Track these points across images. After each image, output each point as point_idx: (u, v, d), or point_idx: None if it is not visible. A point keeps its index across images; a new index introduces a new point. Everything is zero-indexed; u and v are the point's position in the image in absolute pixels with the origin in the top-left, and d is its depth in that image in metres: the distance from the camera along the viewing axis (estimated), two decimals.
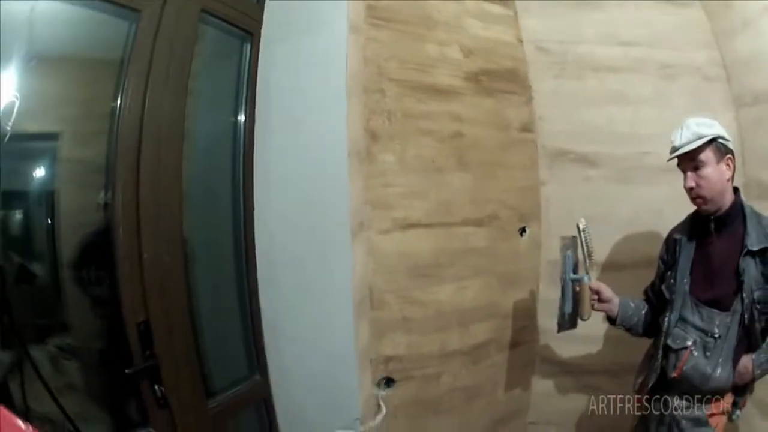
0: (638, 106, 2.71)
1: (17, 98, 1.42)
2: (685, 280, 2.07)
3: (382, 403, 2.32)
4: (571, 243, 2.24)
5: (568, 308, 2.24)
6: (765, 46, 2.40)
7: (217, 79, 2.18)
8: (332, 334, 2.09)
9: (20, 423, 0.96)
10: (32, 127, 1.51)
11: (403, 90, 2.39)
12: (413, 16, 2.48)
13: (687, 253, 2.09)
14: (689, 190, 2.00)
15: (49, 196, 1.57)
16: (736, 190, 2.04)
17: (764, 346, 1.96)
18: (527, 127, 2.77)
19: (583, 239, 2.17)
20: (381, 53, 2.35)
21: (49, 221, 1.55)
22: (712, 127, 1.98)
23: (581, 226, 2.17)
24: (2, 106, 1.38)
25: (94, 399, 1.68)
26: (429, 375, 2.48)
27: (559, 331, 2.29)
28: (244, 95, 2.15)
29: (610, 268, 2.67)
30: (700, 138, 1.95)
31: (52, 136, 1.58)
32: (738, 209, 2.02)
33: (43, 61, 1.53)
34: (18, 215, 1.51)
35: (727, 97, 2.65)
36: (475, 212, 2.53)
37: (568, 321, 2.27)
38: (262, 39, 2.19)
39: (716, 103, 2.65)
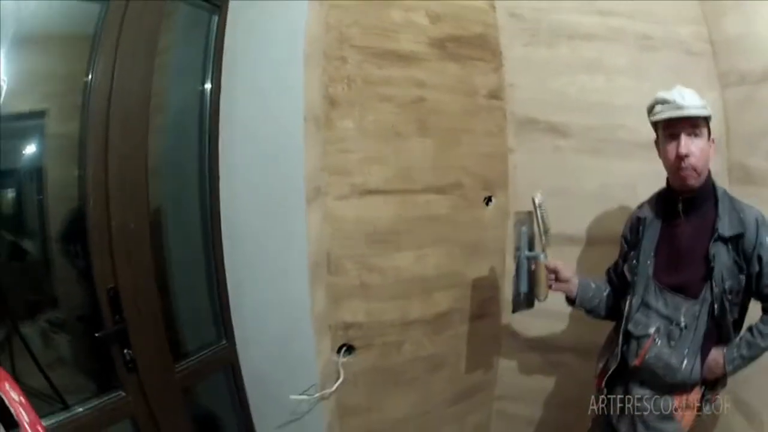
0: (613, 75, 2.63)
1: (4, 82, 1.46)
2: (649, 262, 1.99)
3: (341, 370, 2.32)
4: (526, 218, 2.16)
5: (524, 287, 2.17)
6: (755, 28, 2.29)
7: (186, 52, 2.19)
8: (289, 299, 2.12)
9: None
10: (20, 106, 1.55)
11: (365, 56, 2.35)
12: None
13: (652, 233, 2.02)
14: (682, 158, 1.84)
15: (37, 173, 1.61)
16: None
17: (737, 340, 1.89)
18: (495, 94, 2.70)
19: (539, 214, 2.08)
20: (344, 19, 2.32)
21: (39, 197, 1.60)
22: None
23: (537, 201, 2.08)
24: None
25: (75, 367, 1.76)
26: (390, 343, 2.47)
27: (514, 311, 2.24)
28: (211, 66, 2.17)
29: (578, 242, 2.62)
30: (704, 108, 1.85)
31: (39, 114, 1.62)
32: (709, 191, 1.92)
33: (25, 39, 1.55)
34: (9, 193, 1.56)
35: (712, 75, 2.54)
36: (437, 179, 2.49)
37: (524, 301, 2.21)
38: (230, 8, 2.19)
39: (699, 80, 2.52)
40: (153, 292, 1.81)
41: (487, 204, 2.66)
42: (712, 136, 1.90)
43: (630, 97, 2.53)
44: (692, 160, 1.83)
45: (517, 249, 2.17)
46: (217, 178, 2.12)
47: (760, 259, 1.82)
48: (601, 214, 2.58)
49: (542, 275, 2.09)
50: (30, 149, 1.62)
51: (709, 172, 1.93)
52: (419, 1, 2.50)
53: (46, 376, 1.50)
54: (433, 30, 2.52)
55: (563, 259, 2.22)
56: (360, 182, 2.32)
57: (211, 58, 2.18)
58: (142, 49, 1.76)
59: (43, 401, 1.50)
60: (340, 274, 2.33)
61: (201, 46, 2.20)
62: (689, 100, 1.84)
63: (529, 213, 2.14)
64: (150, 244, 1.81)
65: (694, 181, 1.87)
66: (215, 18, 2.19)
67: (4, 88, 1.46)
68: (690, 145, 1.83)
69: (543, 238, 2.09)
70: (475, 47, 2.66)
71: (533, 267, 2.13)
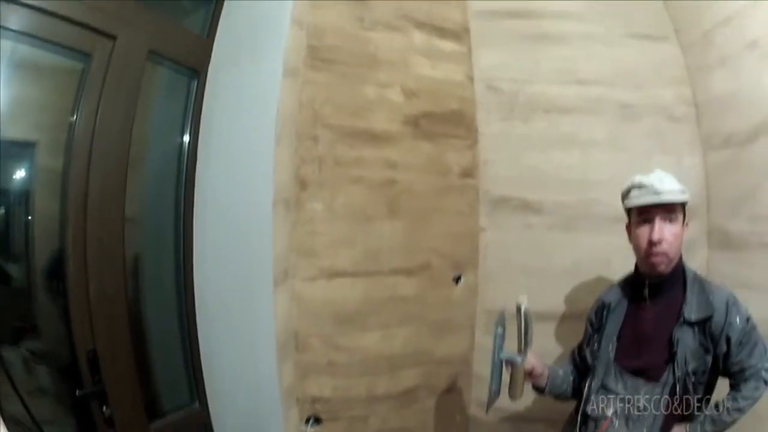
0: (589, 149, 2.59)
1: None
2: (611, 347, 1.94)
3: None
4: (502, 319, 2.07)
5: (497, 388, 2.08)
6: (743, 85, 2.24)
7: (165, 116, 2.20)
8: (258, 371, 2.11)
9: None
10: (12, 132, 1.57)
11: (337, 136, 2.31)
12: (357, 55, 2.40)
13: (616, 318, 1.97)
14: (655, 244, 1.82)
15: (26, 201, 1.67)
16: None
17: (701, 416, 1.83)
18: (469, 173, 2.66)
19: (523, 320, 1.97)
20: (317, 97, 2.28)
21: (26, 224, 1.66)
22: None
23: (522, 307, 1.96)
24: None
25: (60, 403, 1.77)
26: (356, 416, 2.42)
27: (488, 410, 2.13)
28: (189, 131, 2.18)
29: (550, 318, 2.55)
30: (683, 193, 1.84)
31: (30, 144, 1.68)
32: (679, 274, 1.88)
33: (20, 65, 1.61)
34: None
35: (694, 139, 2.53)
36: (405, 261, 2.44)
37: (497, 399, 2.12)
38: (210, 73, 2.20)
39: (680, 146, 2.53)
40: (130, 354, 1.86)
41: (456, 283, 2.62)
42: (686, 221, 1.88)
43: (606, 170, 2.52)
44: (665, 246, 1.81)
45: (494, 350, 2.06)
46: (191, 248, 2.12)
47: (728, 339, 1.77)
48: (574, 289, 2.54)
49: (518, 377, 2.01)
50: (20, 177, 1.64)
51: (680, 255, 1.89)
52: (395, 77, 2.46)
53: (25, 405, 1.54)
54: (408, 107, 2.47)
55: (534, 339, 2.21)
56: (328, 265, 2.28)
57: (190, 123, 2.18)
58: (122, 111, 1.82)
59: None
60: (308, 351, 2.29)
61: (179, 110, 2.19)
62: (668, 185, 1.82)
63: (505, 314, 2.04)
64: (126, 309, 1.86)
65: (664, 267, 1.84)
66: (194, 82, 2.20)
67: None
68: (664, 231, 1.81)
69: (524, 343, 1.99)
70: (451, 124, 2.62)
71: (509, 369, 2.04)
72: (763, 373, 1.79)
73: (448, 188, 2.59)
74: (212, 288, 2.12)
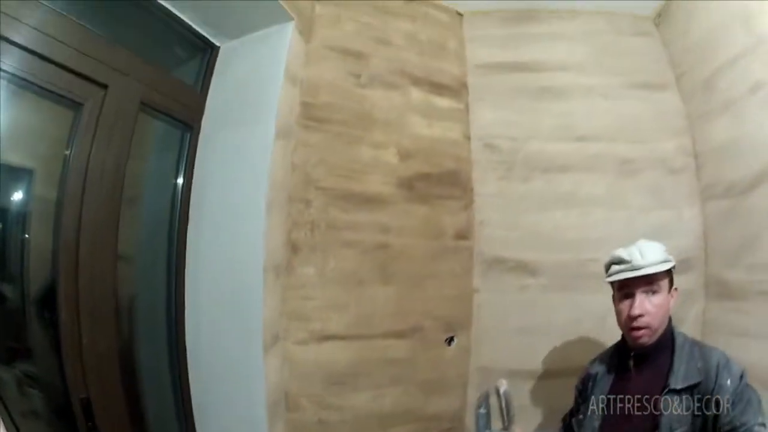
0: (588, 208, 2.56)
1: None
2: (596, 417, 1.90)
3: None
4: (484, 400, 2.06)
5: None
6: (745, 131, 2.20)
7: (158, 165, 2.16)
8: (249, 428, 2.07)
9: None
10: (10, 157, 1.54)
11: (330, 199, 2.28)
12: (352, 114, 2.38)
13: (601, 388, 1.93)
14: (635, 318, 1.79)
15: (22, 227, 1.60)
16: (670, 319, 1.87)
17: None
18: (463, 234, 2.60)
19: (503, 403, 1.97)
20: (310, 159, 2.26)
21: (21, 251, 1.59)
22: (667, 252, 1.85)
23: (501, 390, 1.97)
24: None
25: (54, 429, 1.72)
26: None
27: None
28: (182, 186, 2.15)
29: (544, 377, 2.51)
30: (665, 262, 1.80)
31: (28, 171, 1.63)
32: (666, 342, 1.82)
33: (20, 90, 1.55)
34: None
35: (693, 190, 2.50)
36: (396, 324, 2.40)
37: None
38: (204, 127, 2.19)
39: (679, 198, 2.50)
40: (123, 403, 1.82)
41: (449, 344, 2.56)
42: (674, 286, 1.84)
43: (604, 228, 2.50)
44: (646, 319, 1.78)
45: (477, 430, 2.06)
46: (183, 308, 2.09)
47: (717, 402, 1.70)
48: (569, 348, 2.49)
49: None
50: (16, 202, 1.60)
51: (670, 320, 1.84)
52: (391, 137, 2.44)
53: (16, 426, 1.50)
54: (403, 169, 2.44)
55: (530, 396, 2.26)
56: (319, 328, 2.24)
57: (183, 177, 2.16)
58: (113, 161, 1.77)
59: None
60: (298, 410, 2.24)
61: (171, 163, 2.17)
62: (649, 257, 1.79)
63: (488, 396, 2.04)
64: (119, 357, 1.81)
65: (647, 339, 1.80)
66: (187, 135, 2.18)
67: None
68: (645, 304, 1.78)
69: (507, 419, 1.98)
70: (446, 184, 2.57)
71: None
72: (756, 429, 1.71)
73: (442, 251, 2.54)
74: (204, 344, 2.08)
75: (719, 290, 2.32)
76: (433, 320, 2.51)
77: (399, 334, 2.42)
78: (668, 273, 1.83)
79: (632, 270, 1.80)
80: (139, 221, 2.07)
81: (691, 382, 1.72)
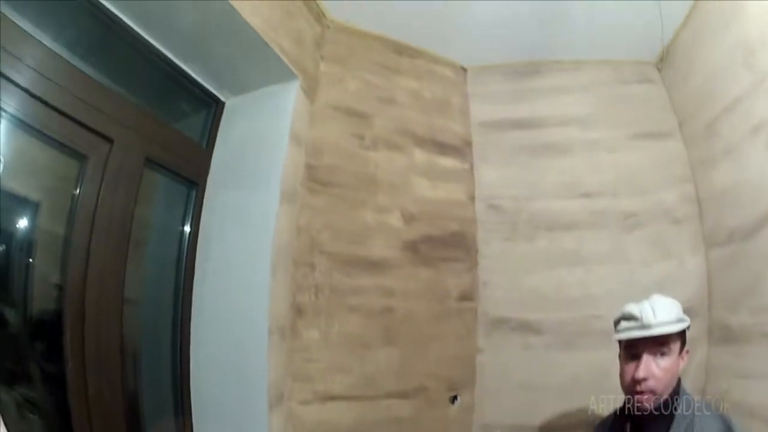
0: (592, 265, 2.54)
1: (2, 161, 1.43)
2: None
3: None
4: None
5: None
6: (748, 175, 2.14)
7: (164, 219, 2.16)
8: None
9: None
10: (17, 188, 1.53)
11: (334, 264, 2.26)
12: (356, 177, 2.37)
13: None
14: (639, 382, 1.64)
15: (27, 254, 1.58)
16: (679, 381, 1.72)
17: None
18: (467, 296, 2.59)
19: None
20: (315, 222, 2.24)
21: (25, 278, 1.56)
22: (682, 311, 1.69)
23: None
24: None
25: None
26: None
27: None
28: (188, 238, 2.15)
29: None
30: (680, 322, 1.65)
31: (34, 204, 1.61)
32: (669, 408, 1.63)
33: (27, 122, 1.53)
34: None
35: (697, 239, 2.46)
36: (400, 385, 2.37)
37: None
38: (209, 185, 2.19)
39: (682, 248, 2.47)
40: None
41: (452, 402, 2.53)
42: (686, 348, 1.69)
43: (609, 284, 2.47)
44: (651, 383, 1.62)
45: None
46: (188, 362, 2.07)
47: None
48: (571, 404, 2.44)
49: None
50: (21, 231, 1.57)
51: (679, 383, 1.68)
52: (395, 200, 2.43)
53: None
54: (407, 232, 2.43)
55: None
56: (323, 389, 2.22)
57: (188, 234, 2.16)
58: (118, 216, 1.77)
59: None
60: None
61: (177, 218, 2.17)
62: (661, 316, 1.63)
63: None
64: (123, 405, 1.79)
65: (650, 405, 1.63)
66: (193, 192, 2.18)
67: (2, 164, 1.43)
68: (651, 367, 1.63)
69: None
70: (450, 247, 2.56)
71: None
72: None
73: (446, 312, 2.52)
74: (209, 399, 2.05)
75: (722, 335, 2.27)
76: (437, 380, 2.48)
77: (403, 395, 2.39)
78: (681, 334, 1.67)
79: (642, 329, 1.64)
80: (145, 267, 2.05)
81: None
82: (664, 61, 2.74)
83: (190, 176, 2.17)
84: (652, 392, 1.63)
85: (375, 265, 2.34)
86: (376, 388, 2.34)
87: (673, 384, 1.67)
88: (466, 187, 2.67)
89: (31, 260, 1.58)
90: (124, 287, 1.80)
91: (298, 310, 2.19)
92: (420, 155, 2.55)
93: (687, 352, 1.70)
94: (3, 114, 1.46)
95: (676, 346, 1.67)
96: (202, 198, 2.19)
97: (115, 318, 1.77)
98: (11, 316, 1.57)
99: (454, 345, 2.55)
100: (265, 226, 2.06)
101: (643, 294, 1.80)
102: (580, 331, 2.49)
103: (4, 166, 1.45)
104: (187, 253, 2.14)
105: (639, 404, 1.66)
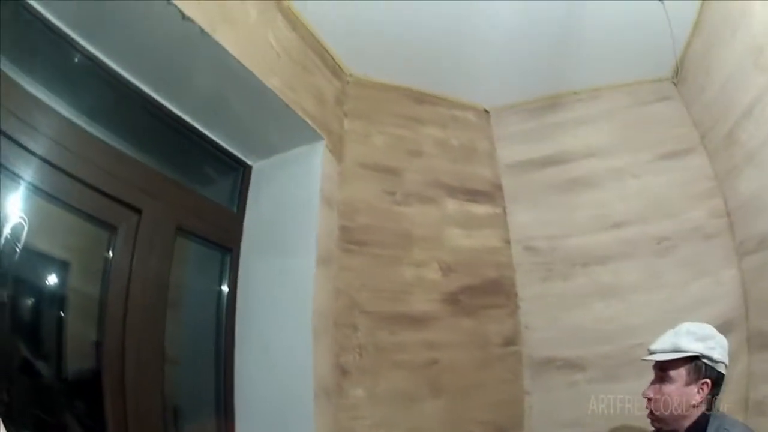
0: (629, 295, 2.48)
1: (25, 222, 1.43)
2: None
3: None
4: None
5: None
6: None
7: (200, 287, 2.15)
8: None
9: None
10: (44, 247, 1.55)
11: (376, 322, 2.23)
12: (390, 235, 2.34)
13: None
14: (647, 401, 1.78)
15: (58, 311, 1.58)
16: (706, 413, 1.69)
17: None
18: (510, 340, 2.53)
19: None
20: (353, 283, 2.21)
21: (58, 335, 1.57)
22: (703, 341, 1.71)
23: None
24: (10, 226, 1.39)
25: None
26: None
27: None
28: (226, 303, 2.14)
29: None
30: (676, 351, 1.71)
31: (63, 263, 1.61)
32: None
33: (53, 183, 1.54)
34: (29, 311, 1.53)
35: (729, 252, 2.40)
36: None
37: None
38: (244, 250, 2.18)
39: (716, 264, 2.41)
40: None
41: None
42: (703, 380, 1.69)
43: (646, 312, 2.41)
44: (652, 405, 1.76)
45: None
46: (233, 427, 2.04)
47: None
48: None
49: None
50: (52, 289, 1.57)
51: (703, 414, 1.69)
52: (431, 253, 2.40)
53: None
54: (446, 284, 2.40)
55: None
56: None
57: (225, 300, 2.14)
58: (153, 285, 1.77)
59: None
60: None
61: (213, 285, 2.16)
62: (658, 345, 1.78)
63: None
64: None
65: (656, 424, 1.78)
66: (227, 258, 2.17)
67: (26, 227, 1.43)
68: (653, 391, 1.77)
69: None
70: (490, 294, 2.52)
71: None
72: None
73: (490, 359, 2.47)
74: None
75: (761, 342, 2.20)
76: (485, 427, 2.42)
77: None
78: (688, 363, 1.72)
79: (648, 353, 1.81)
80: (184, 330, 2.04)
81: None
82: (678, 75, 2.69)
83: (223, 242, 2.15)
84: (652, 414, 1.78)
85: (416, 320, 2.30)
86: None
87: (685, 416, 1.71)
88: (500, 231, 2.63)
89: (63, 316, 1.58)
90: (164, 347, 1.79)
91: (342, 370, 2.14)
92: (452, 205, 2.52)
93: (705, 383, 1.69)
94: (24, 182, 1.46)
95: (678, 375, 1.72)
96: (238, 262, 2.18)
97: (156, 377, 1.76)
98: (47, 371, 1.55)
99: (500, 390, 2.49)
100: (304, 289, 2.03)
101: (681, 317, 1.87)
102: (622, 362, 2.41)
103: (29, 228, 1.44)
104: (226, 317, 2.12)
105: (651, 422, 1.81)
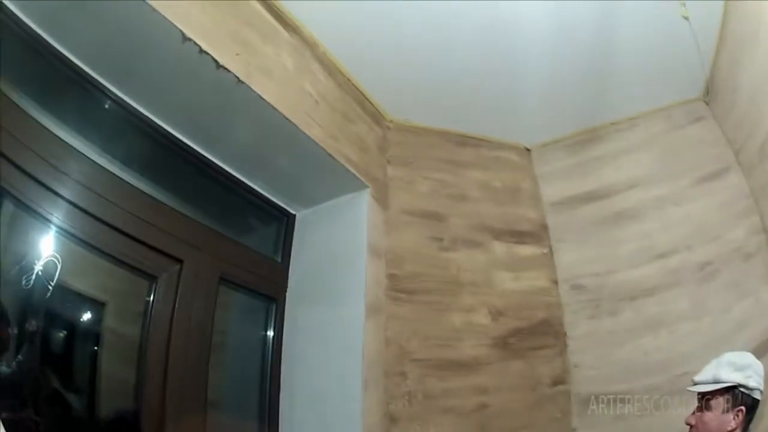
0: (675, 325, 2.45)
1: (59, 261, 1.47)
2: None
3: None
4: None
5: None
6: None
7: (245, 336, 2.18)
8: None
9: None
10: (79, 287, 1.59)
11: (425, 369, 2.21)
12: (439, 281, 2.34)
13: None
14: (689, 428, 1.81)
15: (93, 352, 1.62)
16: None
17: None
18: (560, 380, 2.50)
19: None
20: (403, 332, 2.21)
21: (91, 360, 1.62)
22: (740, 371, 1.76)
23: None
24: (43, 264, 1.44)
25: None
26: None
27: None
28: (270, 359, 2.15)
29: None
30: (716, 382, 1.76)
31: (99, 303, 1.66)
32: None
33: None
34: (62, 346, 1.57)
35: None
36: None
37: None
38: (289, 301, 2.20)
39: (756, 282, 2.36)
40: None
41: None
42: (739, 407, 1.73)
43: (692, 340, 2.38)
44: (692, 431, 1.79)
45: None
46: None
47: None
48: None
49: None
50: (87, 328, 1.63)
51: None
52: (480, 298, 2.39)
53: None
54: (495, 328, 2.38)
55: None
56: None
57: (270, 351, 2.15)
58: (196, 337, 1.79)
59: None
60: None
61: (259, 336, 2.19)
62: (702, 375, 1.82)
63: None
64: None
65: None
66: (272, 307, 2.19)
67: (59, 268, 1.47)
68: (694, 418, 1.80)
69: None
70: (539, 335, 2.50)
71: None
72: None
73: (539, 400, 2.43)
74: None
75: None
76: None
77: None
78: (727, 393, 1.76)
79: (691, 384, 1.85)
80: (229, 377, 2.07)
81: None
82: (709, 93, 2.64)
83: (268, 292, 2.17)
84: None
85: (466, 366, 2.28)
86: None
87: None
88: (547, 271, 2.61)
89: (101, 357, 1.61)
90: (206, 392, 1.80)
91: (391, 419, 2.13)
92: (499, 248, 2.51)
93: (740, 411, 1.74)
94: (65, 232, 1.52)
95: (717, 403, 1.77)
96: (283, 311, 2.19)
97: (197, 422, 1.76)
98: (83, 409, 1.60)
99: (550, 428, 2.46)
100: (353, 338, 2.04)
101: (725, 341, 2.03)
102: (670, 392, 2.36)
103: (62, 268, 1.48)
104: (271, 365, 2.14)
105: None
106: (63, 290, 1.50)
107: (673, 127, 2.72)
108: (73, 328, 1.59)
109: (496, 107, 2.59)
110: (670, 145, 2.70)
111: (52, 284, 1.45)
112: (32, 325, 1.45)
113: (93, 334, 1.62)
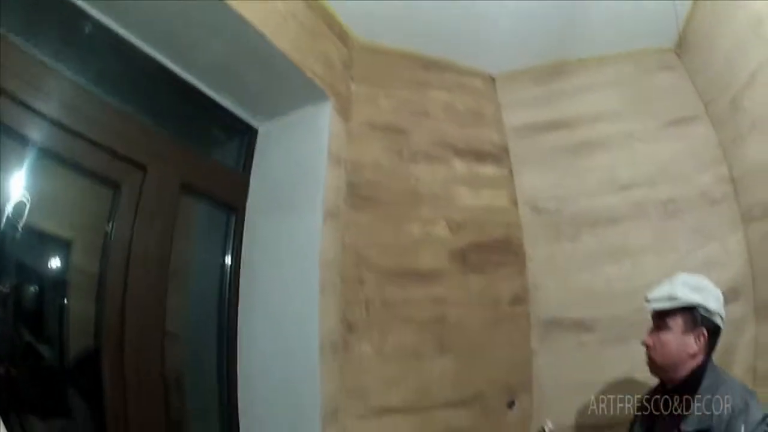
0: (638, 257, 2.42)
1: (28, 200, 1.39)
2: None
3: None
4: None
5: None
6: None
7: (204, 247, 2.10)
8: None
9: None
10: (46, 226, 1.51)
11: (383, 277, 2.15)
12: (399, 191, 2.28)
13: (640, 423, 1.88)
14: (646, 348, 1.77)
15: (60, 293, 1.56)
16: (705, 361, 1.71)
17: None
18: (519, 300, 2.45)
19: None
20: (360, 239, 2.13)
21: (60, 317, 1.54)
22: (697, 292, 1.71)
23: (547, 429, 2.03)
24: (12, 205, 1.36)
25: None
26: None
27: None
28: (230, 265, 2.09)
29: (606, 429, 2.33)
30: (672, 300, 1.71)
31: (65, 241, 1.58)
32: (691, 384, 1.68)
33: (53, 161, 1.51)
34: (31, 294, 1.50)
35: (735, 217, 2.36)
36: (456, 394, 2.24)
37: None
38: (249, 210, 2.13)
39: (722, 228, 2.37)
40: None
41: (510, 408, 2.39)
42: (699, 328, 1.69)
43: (655, 275, 2.19)
44: (650, 353, 1.76)
45: None
46: (235, 385, 2.01)
47: None
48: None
49: None
50: (53, 269, 1.55)
51: (704, 361, 1.70)
52: (439, 211, 2.33)
53: None
54: (454, 241, 2.32)
55: None
56: (378, 403, 2.09)
57: (229, 259, 2.10)
58: (157, 243, 1.74)
59: None
60: None
61: (218, 245, 2.11)
62: (659, 293, 1.76)
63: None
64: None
65: (653, 372, 1.79)
66: (232, 217, 2.12)
67: (28, 205, 1.39)
68: (651, 338, 1.77)
69: None
70: (498, 252, 2.44)
71: None
72: None
73: (498, 318, 2.39)
74: (259, 423, 1.99)
75: None
76: (493, 386, 2.34)
77: (459, 404, 2.25)
78: (686, 313, 1.71)
79: (646, 303, 1.80)
80: (186, 299, 2.00)
81: (701, 426, 1.61)
82: (681, 46, 2.64)
83: (229, 202, 2.10)
84: (652, 362, 1.78)
85: (425, 276, 2.22)
86: (432, 398, 2.19)
87: (681, 363, 1.72)
88: (508, 192, 2.56)
89: (65, 299, 1.55)
90: (165, 307, 1.76)
91: (348, 326, 2.07)
92: (459, 165, 2.45)
93: (704, 334, 1.70)
94: (31, 148, 1.45)
95: (675, 323, 1.73)
96: (242, 223, 2.13)
97: (156, 345, 1.71)
98: (48, 353, 1.52)
99: (509, 350, 2.40)
100: (311, 244, 1.99)
101: None
102: (632, 324, 2.25)
103: (30, 206, 1.40)
104: (230, 277, 2.09)
105: (649, 369, 1.81)
106: (31, 232, 1.43)
107: (643, 72, 2.71)
108: (42, 273, 1.53)
109: (463, 33, 2.52)
110: (638, 87, 2.68)
111: (20, 226, 1.38)
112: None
113: (61, 279, 1.56)
